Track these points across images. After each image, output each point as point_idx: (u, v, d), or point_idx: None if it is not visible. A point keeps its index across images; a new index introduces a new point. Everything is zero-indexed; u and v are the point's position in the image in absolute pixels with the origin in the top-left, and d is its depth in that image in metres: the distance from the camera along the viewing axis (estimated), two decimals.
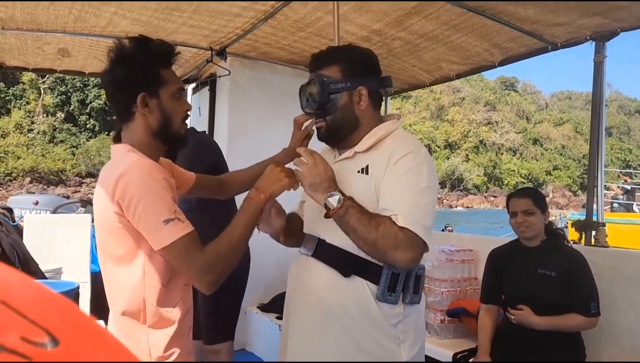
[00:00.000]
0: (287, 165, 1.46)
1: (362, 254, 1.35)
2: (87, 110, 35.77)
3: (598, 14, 2.65)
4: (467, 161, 51.73)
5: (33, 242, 3.30)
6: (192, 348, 1.41)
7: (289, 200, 1.65)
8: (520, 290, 2.34)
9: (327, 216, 1.32)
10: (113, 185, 1.20)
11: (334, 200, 1.30)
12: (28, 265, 3.04)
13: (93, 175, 32.38)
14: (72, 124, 36.27)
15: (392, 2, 2.76)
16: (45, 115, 35.65)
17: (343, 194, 1.31)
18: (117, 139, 1.36)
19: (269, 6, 2.93)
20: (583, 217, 3.18)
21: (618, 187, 13.42)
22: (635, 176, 17.44)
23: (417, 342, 1.39)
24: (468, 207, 44.67)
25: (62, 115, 35.93)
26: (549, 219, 2.44)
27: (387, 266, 1.33)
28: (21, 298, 0.27)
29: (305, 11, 2.98)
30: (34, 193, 26.95)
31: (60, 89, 35.60)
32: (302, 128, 1.68)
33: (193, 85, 4.43)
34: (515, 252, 2.42)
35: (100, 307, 1.70)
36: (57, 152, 34.32)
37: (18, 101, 35.32)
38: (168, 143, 1.38)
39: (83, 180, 33.62)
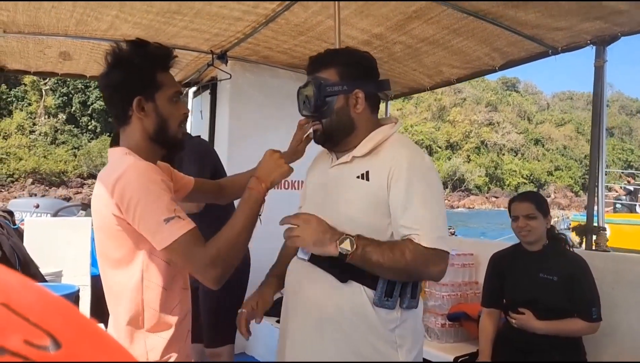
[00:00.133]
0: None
1: None
2: (89, 112, 35.80)
3: (598, 19, 2.65)
4: (468, 162, 51.65)
5: (33, 245, 3.30)
6: (190, 352, 1.41)
7: (291, 204, 1.66)
8: (521, 294, 2.34)
9: (345, 263, 1.29)
10: (111, 188, 1.20)
11: (345, 245, 1.27)
12: (28, 268, 3.04)
13: (95, 176, 32.19)
14: (73, 125, 36.28)
15: (393, 6, 2.76)
16: (47, 116, 35.68)
17: (349, 235, 1.29)
18: (115, 143, 1.37)
19: (270, 10, 2.93)
20: (585, 218, 3.17)
21: (621, 187, 13.41)
22: (638, 177, 17.43)
23: (414, 347, 1.39)
24: (469, 208, 44.62)
25: (64, 117, 35.95)
26: (551, 223, 2.44)
27: None
28: (23, 301, 0.27)
29: (306, 15, 2.98)
30: (35, 194, 27.01)
31: (62, 90, 35.64)
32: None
33: (194, 88, 4.44)
34: (517, 256, 2.42)
35: (100, 310, 1.70)
36: (59, 154, 34.34)
37: (20, 103, 35.34)
38: (165, 147, 1.37)
39: (85, 182, 33.62)
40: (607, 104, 3.11)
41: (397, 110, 50.60)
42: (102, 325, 1.45)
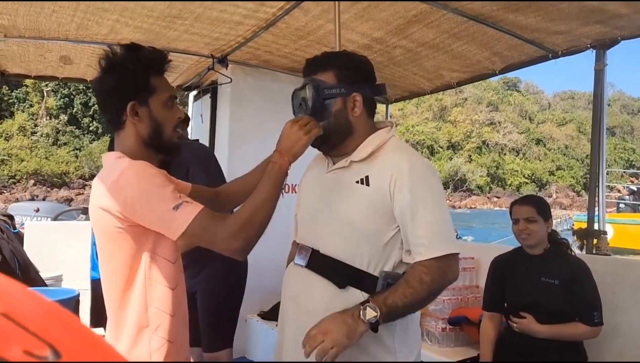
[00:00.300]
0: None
1: (357, 265, 1.34)
2: (90, 113, 35.80)
3: (598, 22, 2.65)
4: (470, 162, 51.55)
5: (34, 249, 3.32)
6: (189, 355, 1.42)
7: (289, 208, 1.66)
8: (523, 298, 2.34)
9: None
10: (111, 190, 1.20)
11: (370, 314, 1.24)
12: (28, 272, 3.05)
13: None
14: (75, 127, 36.30)
15: (393, 10, 2.76)
16: (48, 117, 35.70)
17: (362, 303, 1.26)
18: (112, 148, 1.36)
19: (271, 14, 2.93)
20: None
21: (625, 187, 13.41)
22: None
23: (412, 352, 1.40)
24: (471, 208, 44.55)
25: (65, 118, 35.97)
26: (552, 227, 2.43)
27: (383, 277, 1.33)
28: (23, 310, 0.27)
29: (307, 19, 2.98)
30: (37, 196, 27.05)
31: (64, 91, 35.65)
32: None
33: (194, 92, 4.45)
34: (518, 260, 2.42)
35: (100, 314, 1.70)
36: (61, 155, 34.36)
37: (21, 104, 35.37)
38: (160, 151, 1.36)
39: (87, 183, 33.59)
40: (609, 104, 3.11)
41: (398, 110, 50.56)
42: (101, 330, 1.45)
